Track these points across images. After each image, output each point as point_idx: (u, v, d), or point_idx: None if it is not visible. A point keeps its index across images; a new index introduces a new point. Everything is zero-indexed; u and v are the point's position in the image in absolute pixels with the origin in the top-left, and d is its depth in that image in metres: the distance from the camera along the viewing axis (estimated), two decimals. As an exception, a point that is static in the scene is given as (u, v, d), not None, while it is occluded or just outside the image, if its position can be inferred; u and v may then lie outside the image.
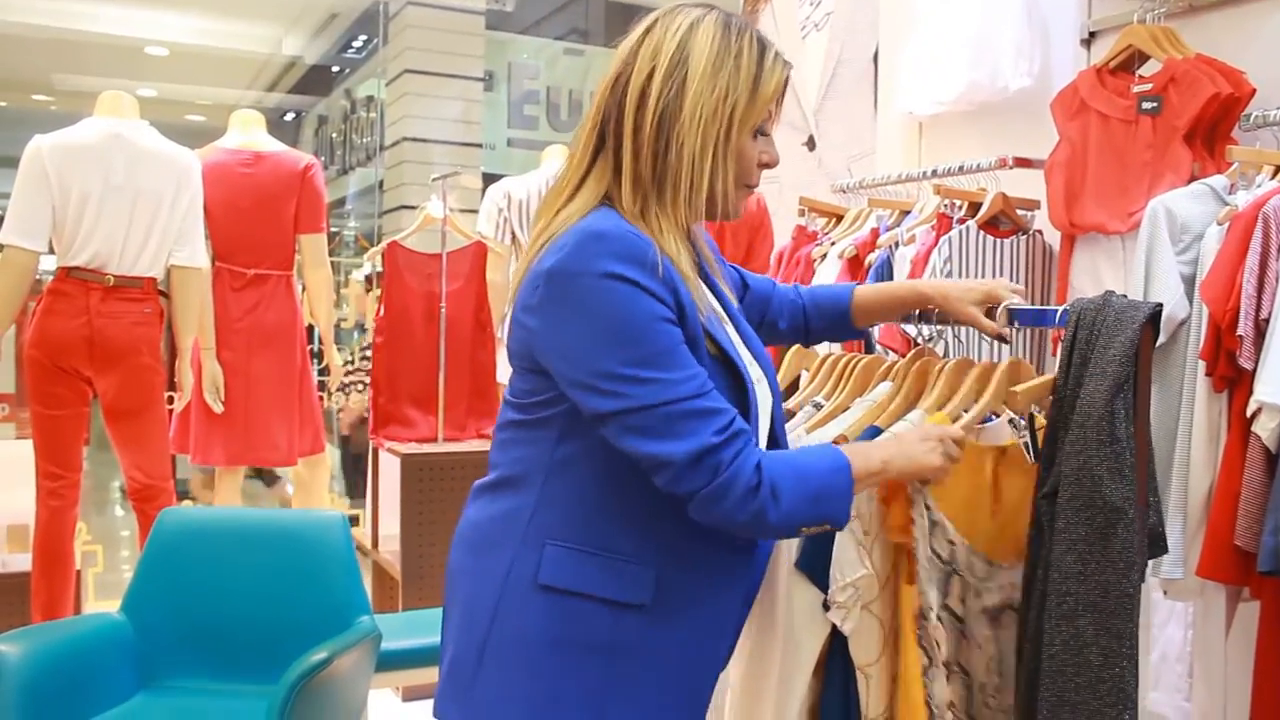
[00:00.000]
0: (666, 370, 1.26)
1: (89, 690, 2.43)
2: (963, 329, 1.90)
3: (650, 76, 1.33)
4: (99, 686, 2.46)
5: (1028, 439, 1.68)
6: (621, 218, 1.33)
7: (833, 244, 3.01)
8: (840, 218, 3.16)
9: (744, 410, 1.36)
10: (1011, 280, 2.69)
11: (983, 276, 2.66)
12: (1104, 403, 1.54)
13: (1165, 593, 2.09)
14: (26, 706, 2.25)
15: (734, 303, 1.55)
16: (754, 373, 1.44)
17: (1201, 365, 1.99)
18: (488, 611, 1.37)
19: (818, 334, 1.76)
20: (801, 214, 3.22)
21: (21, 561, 3.42)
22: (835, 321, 1.72)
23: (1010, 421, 1.73)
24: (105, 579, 4.02)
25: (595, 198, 1.36)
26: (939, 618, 1.58)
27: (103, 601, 3.79)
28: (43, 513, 3.19)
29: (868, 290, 1.71)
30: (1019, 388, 1.69)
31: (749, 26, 1.38)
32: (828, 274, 2.93)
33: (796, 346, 2.08)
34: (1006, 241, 2.70)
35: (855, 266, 2.89)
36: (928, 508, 1.57)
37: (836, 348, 2.36)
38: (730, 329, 1.47)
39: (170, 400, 3.51)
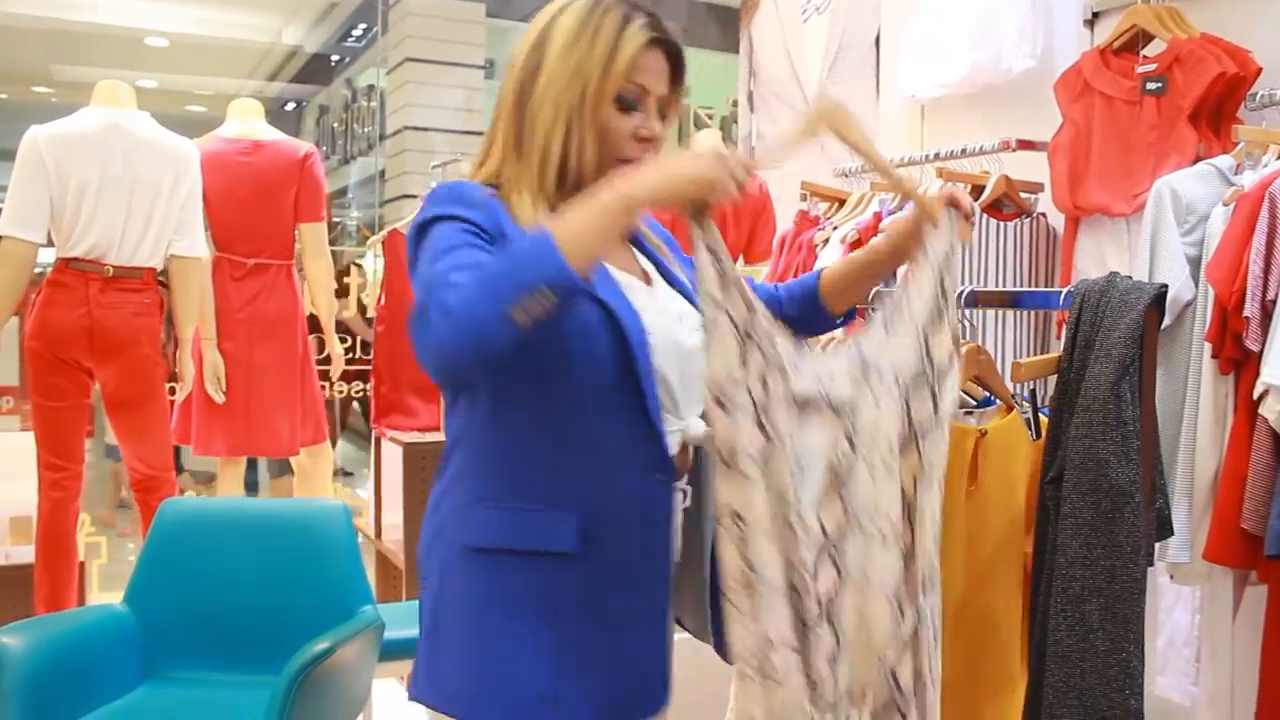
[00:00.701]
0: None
1: (92, 681, 2.43)
2: (967, 312, 1.88)
3: (519, 58, 1.42)
4: (102, 678, 2.46)
5: (1030, 415, 1.67)
6: (476, 183, 1.40)
7: (835, 229, 2.99)
8: (842, 202, 3.14)
9: (627, 357, 1.34)
10: (1015, 264, 2.68)
11: (986, 259, 2.65)
12: (1109, 386, 1.53)
13: (1172, 577, 2.08)
14: (29, 698, 2.25)
15: (681, 280, 1.50)
16: (655, 325, 1.38)
17: (1207, 347, 1.98)
18: (433, 584, 1.43)
19: (797, 323, 1.66)
20: (803, 198, 3.20)
21: (25, 553, 3.41)
22: (809, 307, 1.64)
23: (1012, 397, 1.73)
24: (110, 570, 4.01)
25: (490, 174, 1.43)
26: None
27: (107, 593, 3.79)
28: (45, 505, 3.18)
29: (832, 267, 1.66)
30: (1023, 361, 1.68)
31: (621, 4, 1.40)
32: (830, 259, 2.90)
33: (798, 331, 2.06)
34: (1010, 225, 2.68)
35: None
36: (710, 250, 1.29)
37: (839, 334, 2.35)
38: (639, 294, 1.42)
39: (171, 391, 3.50)
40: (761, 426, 1.30)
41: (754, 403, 1.30)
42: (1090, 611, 1.50)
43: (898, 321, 1.42)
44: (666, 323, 1.41)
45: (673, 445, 1.39)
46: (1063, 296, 1.68)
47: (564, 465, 1.36)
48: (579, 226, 1.21)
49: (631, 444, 1.35)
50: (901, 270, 1.51)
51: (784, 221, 3.46)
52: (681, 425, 1.41)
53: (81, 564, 3.37)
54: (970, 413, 1.79)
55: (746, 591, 1.30)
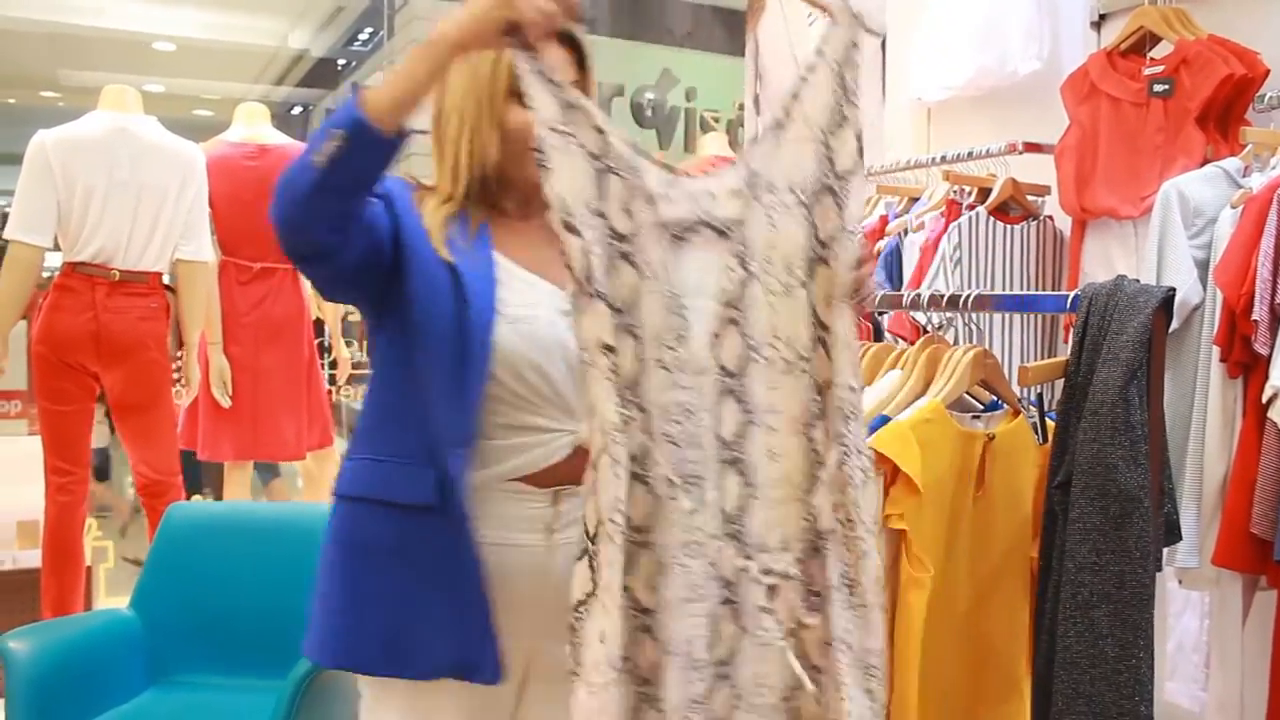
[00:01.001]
0: None
1: (99, 686, 2.42)
2: (974, 316, 1.88)
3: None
4: (109, 682, 2.45)
5: (1036, 420, 1.67)
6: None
7: (841, 232, 2.98)
8: (848, 205, 3.13)
9: (460, 318, 1.37)
10: (1022, 266, 2.67)
11: (993, 262, 2.64)
12: (1117, 390, 1.52)
13: (1180, 582, 2.07)
14: (37, 703, 2.25)
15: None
16: (533, 315, 1.41)
17: (1216, 351, 1.97)
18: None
19: None
20: (809, 202, 3.20)
21: (31, 558, 3.41)
22: None
23: (1019, 401, 1.72)
24: (116, 575, 4.01)
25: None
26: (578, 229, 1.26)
27: (114, 597, 3.79)
28: (51, 509, 3.18)
29: None
30: (1030, 365, 1.68)
31: None
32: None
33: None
34: (1017, 227, 2.67)
35: (864, 254, 2.86)
36: (543, 77, 1.27)
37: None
38: (527, 286, 1.44)
39: (177, 395, 3.50)
40: (628, 258, 1.26)
41: (616, 233, 1.26)
42: (1099, 617, 1.49)
43: (790, 129, 1.31)
44: (553, 318, 1.41)
45: (564, 449, 1.40)
46: (1070, 300, 1.68)
47: (421, 423, 1.39)
48: (389, 77, 1.26)
49: (453, 414, 1.38)
50: (791, 74, 1.38)
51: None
52: (574, 428, 1.40)
53: (88, 568, 3.37)
54: (977, 417, 1.78)
55: (622, 434, 1.25)
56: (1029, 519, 1.76)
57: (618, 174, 1.27)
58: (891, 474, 1.62)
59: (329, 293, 1.54)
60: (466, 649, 1.38)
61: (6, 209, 3.24)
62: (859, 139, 1.33)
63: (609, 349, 1.25)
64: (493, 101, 1.42)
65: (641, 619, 1.28)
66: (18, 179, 3.14)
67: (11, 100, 9.71)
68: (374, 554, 1.41)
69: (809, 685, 1.30)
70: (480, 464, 1.39)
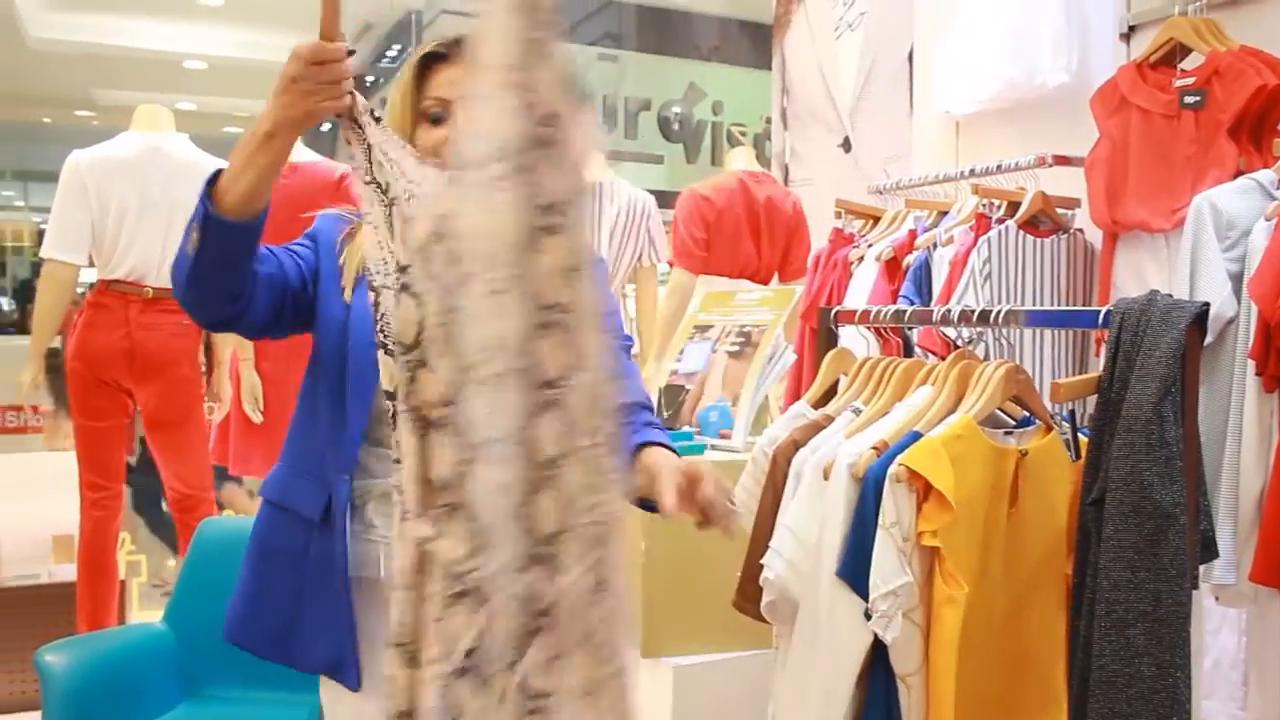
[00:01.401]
0: None
1: (133, 699, 2.45)
2: (1004, 331, 1.86)
3: None
4: (143, 696, 2.48)
5: (1069, 436, 1.65)
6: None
7: (870, 246, 2.97)
8: (877, 219, 3.13)
9: (344, 354, 1.49)
10: (1053, 281, 2.65)
11: (1023, 277, 2.62)
12: (1151, 406, 1.51)
13: (1217, 599, 2.05)
14: (73, 716, 2.27)
15: None
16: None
17: (1251, 365, 1.94)
18: None
19: None
20: (838, 216, 3.19)
21: (67, 572, 3.45)
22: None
23: (1051, 418, 1.71)
24: (150, 589, 4.05)
25: None
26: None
27: (148, 611, 3.82)
28: (86, 524, 3.21)
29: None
30: (1063, 381, 1.67)
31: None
32: (865, 277, 2.89)
33: (834, 350, 2.06)
34: (1047, 241, 2.66)
35: (893, 269, 2.86)
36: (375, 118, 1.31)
37: (875, 350, 2.34)
38: None
39: (209, 411, 3.53)
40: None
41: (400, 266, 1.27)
42: (1135, 636, 1.48)
43: None
44: None
45: None
46: (1102, 316, 1.67)
47: (318, 444, 1.53)
48: (229, 168, 1.33)
49: (336, 445, 1.49)
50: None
51: (818, 239, 3.45)
52: None
53: (122, 582, 3.40)
54: (1009, 433, 1.77)
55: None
56: (1063, 535, 1.74)
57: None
58: (924, 491, 1.61)
59: (256, 338, 1.65)
60: (338, 651, 1.49)
61: (42, 225, 3.29)
62: None
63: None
64: (407, 126, 1.50)
65: None
66: (53, 196, 3.19)
67: (47, 120, 9.85)
68: (275, 554, 1.55)
69: None
70: (381, 472, 1.48)
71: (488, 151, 1.10)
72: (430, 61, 1.51)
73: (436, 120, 1.50)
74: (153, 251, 3.19)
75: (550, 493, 1.16)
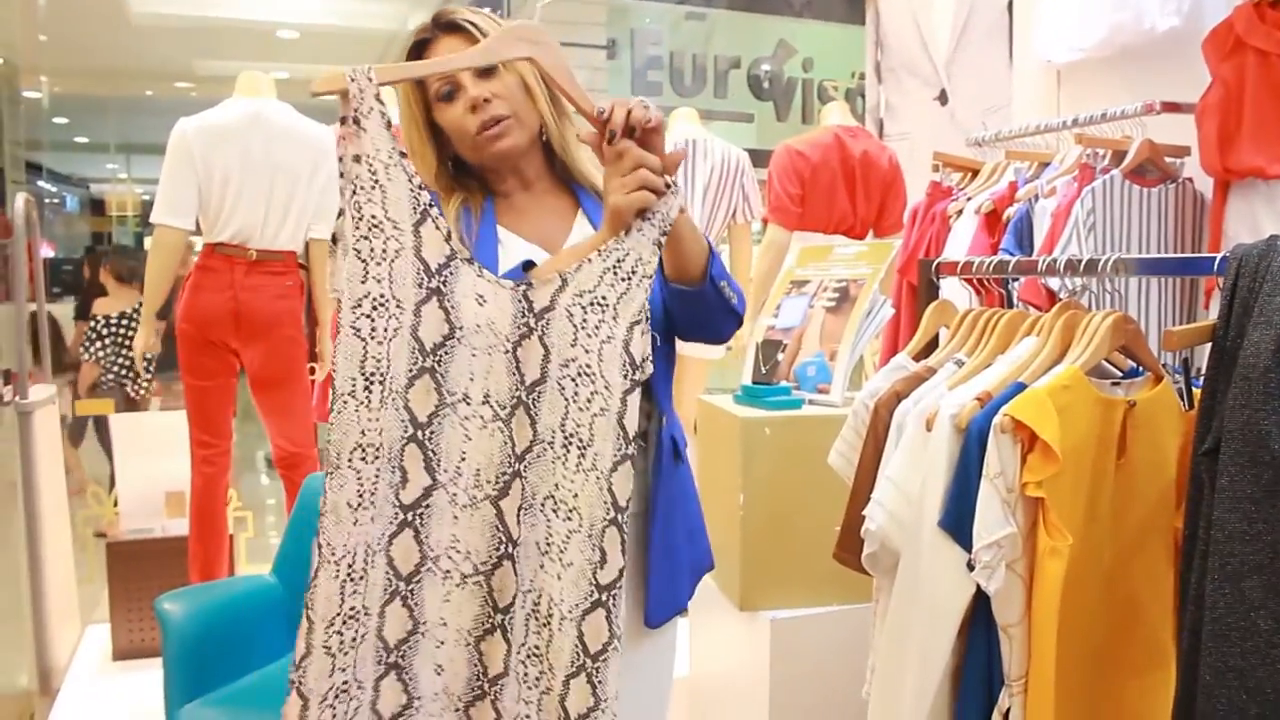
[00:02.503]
0: None
1: (246, 646, 2.53)
2: (1110, 285, 1.82)
3: None
4: (255, 643, 2.56)
5: (1182, 385, 1.61)
6: None
7: (969, 199, 2.92)
8: (976, 172, 3.07)
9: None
10: (1160, 232, 2.58)
11: (1128, 228, 2.55)
12: (1270, 354, 1.46)
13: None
14: (191, 661, 2.36)
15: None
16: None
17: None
18: None
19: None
20: (935, 169, 3.14)
21: (179, 526, 3.58)
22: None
23: (1163, 367, 1.66)
24: (255, 544, 4.18)
25: None
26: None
27: (253, 566, 3.95)
28: (197, 480, 3.33)
29: None
30: (1176, 329, 1.62)
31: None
32: (964, 230, 2.84)
33: (936, 302, 2.03)
34: (1154, 190, 2.58)
35: (993, 222, 2.80)
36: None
37: (976, 305, 2.30)
38: (504, 246, 1.52)
39: (312, 371, 3.62)
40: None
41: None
42: (1251, 588, 1.44)
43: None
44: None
45: None
46: (1218, 262, 1.61)
47: None
48: None
49: None
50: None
51: (915, 193, 3.40)
52: None
53: (230, 536, 3.52)
54: (1117, 384, 1.73)
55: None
56: (1172, 487, 1.70)
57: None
58: (1029, 442, 1.59)
59: None
60: None
61: (144, 196, 3.38)
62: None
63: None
64: (426, 112, 1.53)
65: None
66: (156, 168, 3.29)
67: (149, 93, 10.09)
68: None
69: None
70: None
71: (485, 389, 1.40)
72: (420, 50, 1.53)
73: (449, 97, 1.50)
74: (256, 215, 3.27)
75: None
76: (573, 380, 1.36)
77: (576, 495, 1.35)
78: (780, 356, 2.58)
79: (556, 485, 1.36)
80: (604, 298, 1.36)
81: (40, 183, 9.83)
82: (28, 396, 3.51)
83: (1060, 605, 1.58)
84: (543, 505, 1.37)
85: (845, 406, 2.30)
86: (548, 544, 1.37)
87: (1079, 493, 1.62)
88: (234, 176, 3.24)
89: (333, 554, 1.34)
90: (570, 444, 1.35)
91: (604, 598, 1.34)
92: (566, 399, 1.36)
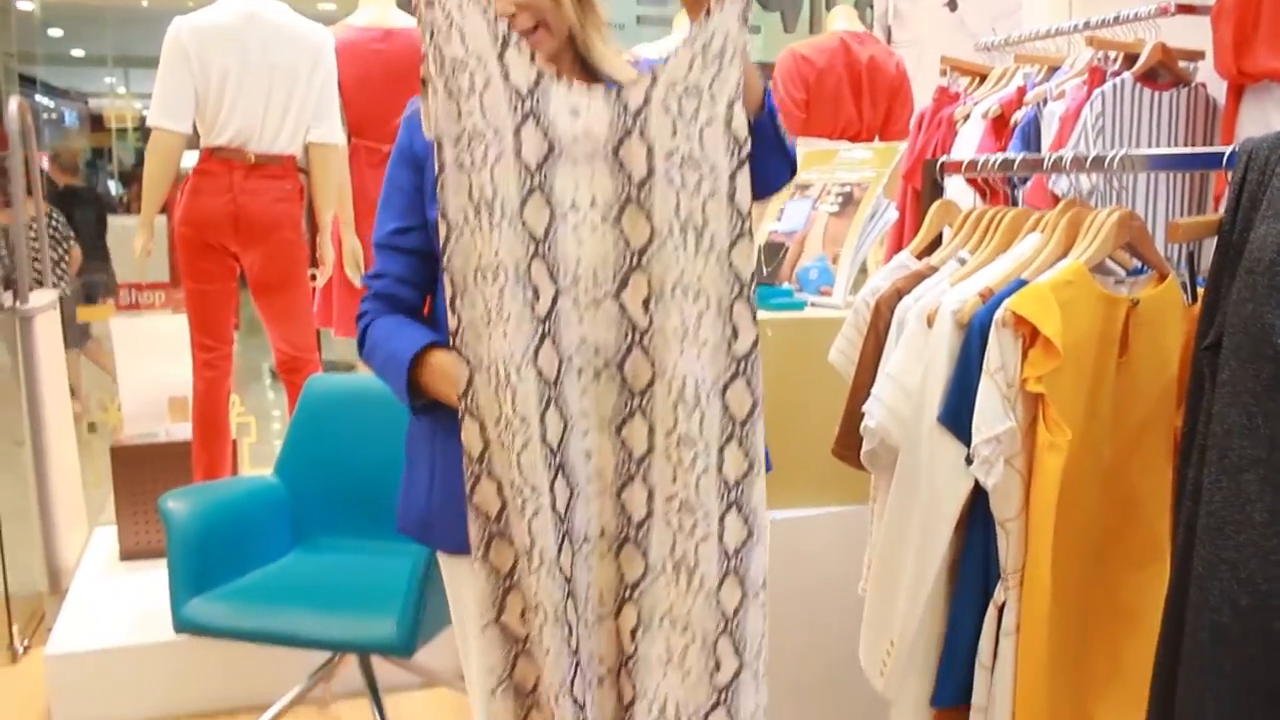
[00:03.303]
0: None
1: (249, 545, 2.56)
2: (1117, 189, 1.79)
3: None
4: (258, 542, 2.59)
5: (1187, 280, 1.60)
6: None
7: (976, 104, 2.88)
8: (984, 77, 3.01)
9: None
10: (1170, 137, 2.54)
11: (1138, 132, 2.52)
12: (1276, 248, 1.44)
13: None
14: (193, 557, 2.39)
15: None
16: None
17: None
18: None
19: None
20: (943, 74, 3.09)
21: (183, 431, 3.60)
22: None
23: (1167, 260, 1.65)
24: (258, 450, 4.20)
25: None
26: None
27: (256, 471, 3.98)
28: (199, 384, 3.33)
29: None
30: (1181, 221, 1.60)
31: None
32: (970, 135, 2.80)
33: (939, 202, 2.01)
34: (1165, 94, 2.54)
35: (1000, 127, 2.76)
36: None
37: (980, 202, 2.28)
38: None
39: (313, 277, 3.60)
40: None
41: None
42: (1247, 482, 1.44)
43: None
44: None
45: None
46: (1227, 156, 1.59)
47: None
48: (443, 378, 1.49)
49: None
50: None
51: (922, 101, 3.35)
52: None
53: (233, 441, 3.53)
54: (1121, 282, 1.72)
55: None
56: (1173, 386, 1.70)
57: None
58: (1030, 336, 1.58)
59: None
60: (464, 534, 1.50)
61: (143, 109, 3.33)
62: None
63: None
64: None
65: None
66: (153, 81, 3.22)
67: (145, 3, 9.92)
68: (420, 441, 1.61)
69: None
70: None
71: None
72: None
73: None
74: (254, 117, 3.22)
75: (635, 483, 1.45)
76: (679, 170, 1.39)
77: (700, 277, 1.40)
78: (783, 258, 2.56)
79: (681, 272, 1.40)
80: (697, 83, 1.38)
81: (37, 97, 9.70)
82: (28, 302, 3.50)
83: (1058, 500, 1.59)
84: (672, 293, 1.41)
85: (847, 309, 2.29)
86: (682, 328, 1.41)
87: (1079, 389, 1.62)
88: (231, 77, 3.19)
89: (480, 363, 1.39)
90: (687, 230, 1.40)
91: (742, 367, 1.43)
92: (676, 189, 1.39)
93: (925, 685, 1.75)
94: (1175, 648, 1.52)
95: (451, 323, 1.39)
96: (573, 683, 1.43)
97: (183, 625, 2.31)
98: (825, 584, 2.42)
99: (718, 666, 1.46)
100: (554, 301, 1.41)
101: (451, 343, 1.39)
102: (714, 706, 1.46)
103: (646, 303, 1.42)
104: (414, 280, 1.60)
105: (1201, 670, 1.45)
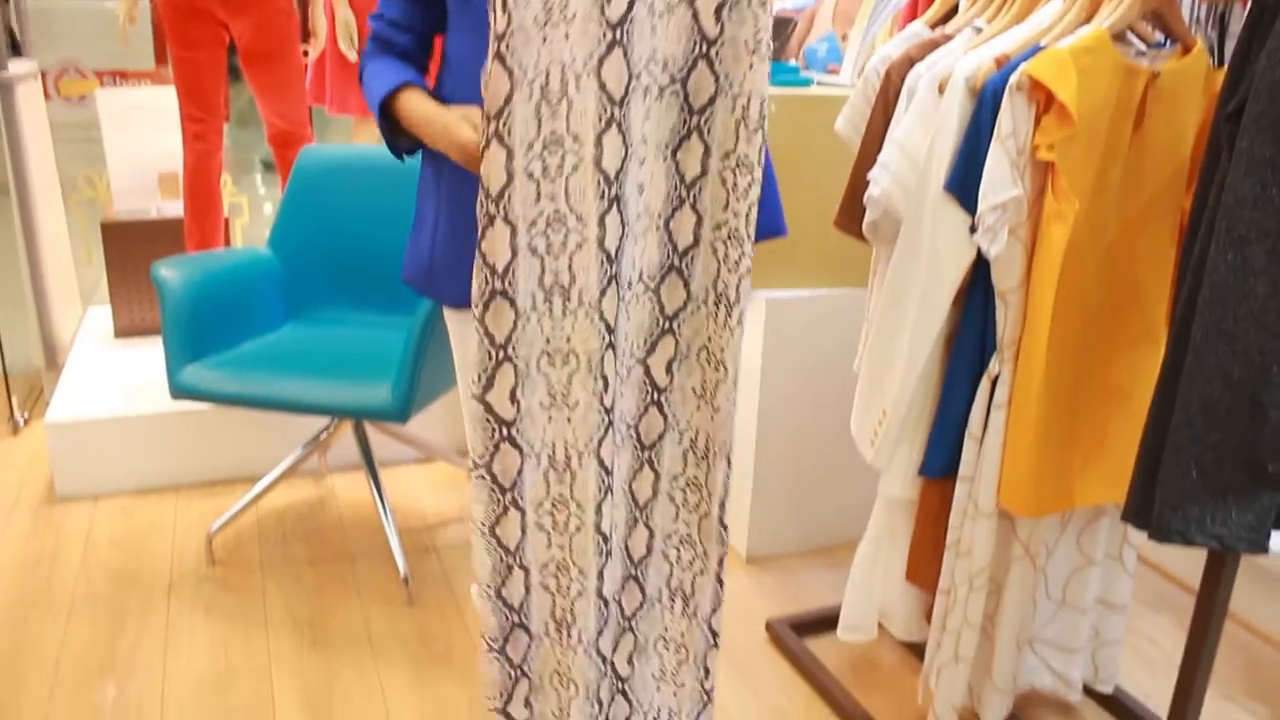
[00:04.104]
0: None
1: (243, 316, 2.55)
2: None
3: None
4: (251, 312, 2.58)
5: (1214, 41, 1.54)
6: None
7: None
8: None
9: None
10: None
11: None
12: (1311, 11, 1.38)
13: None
14: (188, 323, 2.38)
15: None
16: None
17: None
18: None
19: None
20: None
21: (174, 208, 3.55)
22: None
23: (1195, 22, 1.58)
24: (251, 232, 4.17)
25: None
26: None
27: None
28: (189, 157, 3.26)
29: None
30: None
31: None
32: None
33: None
34: None
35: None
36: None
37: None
38: None
39: (305, 53, 3.48)
40: None
41: None
42: (1253, 255, 1.42)
43: None
44: None
45: None
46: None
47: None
48: (411, 120, 1.45)
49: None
50: None
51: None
52: None
53: (226, 220, 3.49)
54: (1143, 54, 1.66)
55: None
56: (1186, 165, 1.66)
57: None
58: (1045, 102, 1.53)
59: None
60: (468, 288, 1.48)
61: None
62: None
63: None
64: None
65: (502, 430, 1.34)
66: None
67: None
68: (428, 190, 1.56)
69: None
70: None
71: None
72: None
73: None
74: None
75: (684, 211, 1.36)
76: None
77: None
78: (790, 34, 2.46)
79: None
80: None
81: None
82: (6, 68, 3.39)
83: (1060, 273, 1.57)
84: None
85: (853, 90, 2.22)
86: (754, 39, 1.33)
87: (1090, 160, 1.58)
88: None
89: (525, 74, 1.21)
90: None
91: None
92: None
93: (914, 455, 1.78)
94: (1164, 422, 1.53)
95: (499, 23, 1.18)
96: (600, 443, 1.35)
97: (179, 390, 2.32)
98: (819, 363, 2.44)
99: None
100: (630, 6, 1.24)
101: (494, 49, 1.19)
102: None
103: (719, 10, 1.29)
104: (408, 24, 1.54)
105: (1190, 441, 1.46)
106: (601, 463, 1.36)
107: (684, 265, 1.38)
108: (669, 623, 1.55)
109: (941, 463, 1.73)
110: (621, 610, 1.52)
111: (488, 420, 1.33)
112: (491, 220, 1.25)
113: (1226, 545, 1.47)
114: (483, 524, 1.38)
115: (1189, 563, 2.59)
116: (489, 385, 1.31)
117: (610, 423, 1.37)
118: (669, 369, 1.42)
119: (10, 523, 2.73)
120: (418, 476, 3.05)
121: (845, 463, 2.60)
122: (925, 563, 1.81)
